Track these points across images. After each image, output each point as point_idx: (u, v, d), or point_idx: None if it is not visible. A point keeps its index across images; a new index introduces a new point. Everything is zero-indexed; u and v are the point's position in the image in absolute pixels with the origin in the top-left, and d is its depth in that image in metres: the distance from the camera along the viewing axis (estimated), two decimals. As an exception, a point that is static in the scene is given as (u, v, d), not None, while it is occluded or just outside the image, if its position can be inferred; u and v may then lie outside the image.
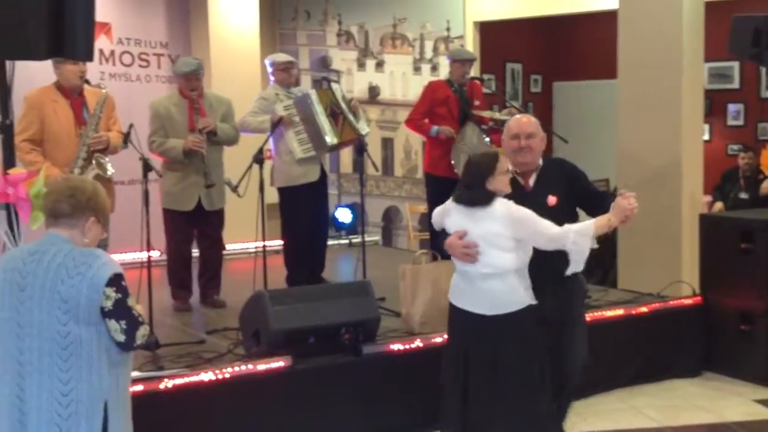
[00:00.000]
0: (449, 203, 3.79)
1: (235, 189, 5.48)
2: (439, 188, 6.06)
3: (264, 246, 5.48)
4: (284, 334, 4.44)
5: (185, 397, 4.13)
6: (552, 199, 3.94)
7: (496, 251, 3.64)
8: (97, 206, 2.90)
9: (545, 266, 3.73)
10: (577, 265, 3.67)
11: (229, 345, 4.76)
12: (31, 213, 3.57)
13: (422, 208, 8.22)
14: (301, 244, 6.24)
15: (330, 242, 6.93)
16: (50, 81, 5.27)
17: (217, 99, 6.03)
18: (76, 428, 2.77)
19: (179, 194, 5.81)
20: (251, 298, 4.69)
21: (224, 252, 6.27)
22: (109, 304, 2.77)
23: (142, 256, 4.98)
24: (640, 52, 6.36)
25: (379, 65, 9.62)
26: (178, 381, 4.14)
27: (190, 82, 5.80)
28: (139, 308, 2.89)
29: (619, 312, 5.63)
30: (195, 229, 5.98)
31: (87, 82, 5.29)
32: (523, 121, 4.02)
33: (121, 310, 2.79)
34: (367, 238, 6.35)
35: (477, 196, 3.68)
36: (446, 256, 3.94)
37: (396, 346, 4.77)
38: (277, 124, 5.96)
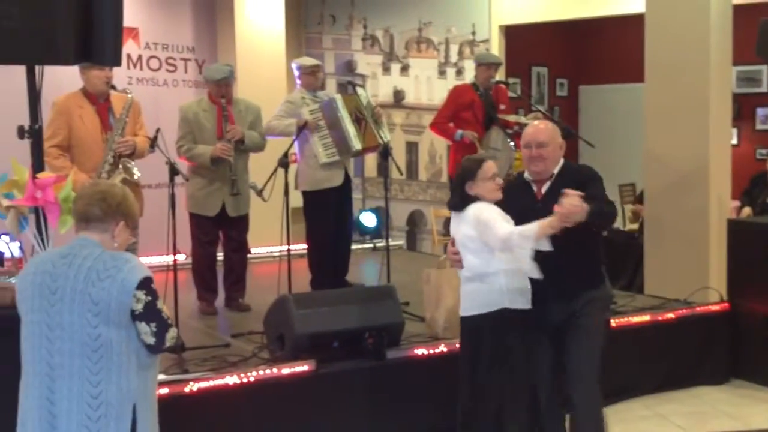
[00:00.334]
0: None
1: (260, 193, 5.51)
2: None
3: (288, 249, 5.50)
4: (308, 338, 4.46)
5: (210, 400, 4.16)
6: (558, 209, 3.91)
7: (470, 254, 3.77)
8: (127, 211, 2.94)
9: (551, 274, 3.72)
10: (525, 267, 3.64)
11: (253, 348, 4.77)
12: (60, 216, 3.59)
13: (447, 212, 8.18)
14: (326, 248, 6.25)
15: (354, 246, 6.94)
16: (78, 86, 5.32)
17: (247, 106, 6.04)
18: (105, 430, 2.79)
19: (204, 199, 5.84)
20: (276, 301, 4.71)
21: (249, 255, 6.30)
22: (139, 307, 2.80)
23: (169, 259, 5.01)
24: (668, 55, 6.31)
25: (404, 69, 9.62)
26: (203, 384, 4.17)
27: (221, 89, 5.82)
28: (165, 310, 2.92)
29: (646, 318, 5.59)
30: (220, 232, 6.02)
31: (113, 87, 5.34)
32: (535, 130, 3.95)
33: (151, 313, 2.82)
34: (391, 243, 6.34)
35: (455, 200, 3.86)
36: None
37: (420, 351, 4.77)
38: (303, 128, 5.98)
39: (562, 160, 3.97)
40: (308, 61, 6.48)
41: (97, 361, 2.79)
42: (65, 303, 2.80)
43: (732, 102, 6.61)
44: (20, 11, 3.52)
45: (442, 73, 9.30)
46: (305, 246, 6.43)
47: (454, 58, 9.21)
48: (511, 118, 6.65)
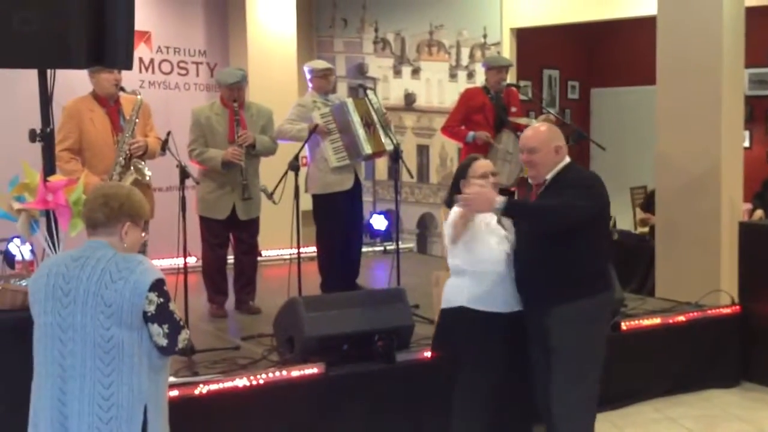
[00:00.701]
0: None
1: (270, 196, 5.52)
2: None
3: (299, 252, 5.52)
4: (318, 341, 4.46)
5: (219, 402, 4.17)
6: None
7: (449, 250, 3.91)
8: (132, 210, 2.94)
9: (520, 283, 3.78)
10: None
11: (263, 351, 4.78)
12: (71, 220, 3.61)
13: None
14: (336, 251, 6.26)
15: (365, 249, 6.95)
16: (88, 89, 5.36)
17: (259, 109, 6.06)
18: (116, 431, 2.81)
19: (214, 202, 5.86)
20: (285, 304, 4.72)
21: (259, 258, 6.31)
22: (151, 309, 2.82)
23: (179, 262, 5.03)
24: (680, 57, 6.29)
25: (416, 72, 9.62)
26: (213, 387, 4.18)
27: (233, 93, 5.84)
28: (177, 312, 2.93)
29: (657, 321, 5.58)
30: (230, 235, 6.03)
31: (122, 89, 5.37)
32: (527, 135, 3.91)
33: (163, 315, 2.84)
34: (401, 245, 6.34)
35: (448, 197, 3.98)
36: None
37: (430, 354, 4.75)
38: (313, 132, 5.99)
39: (562, 164, 3.81)
40: (320, 64, 6.50)
41: (109, 363, 2.80)
42: (78, 305, 2.81)
43: (744, 104, 6.59)
44: (37, 16, 3.55)
45: (453, 76, 9.30)
46: (315, 249, 6.44)
47: (465, 61, 9.20)
48: (522, 120, 6.64)
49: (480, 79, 7.58)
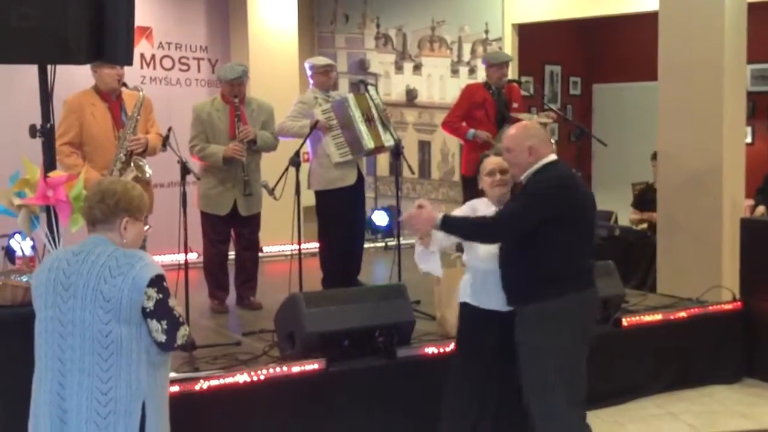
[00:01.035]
0: None
1: (271, 192, 5.52)
2: (476, 191, 6.04)
3: (300, 248, 5.51)
4: (319, 337, 4.46)
5: (220, 398, 4.17)
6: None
7: (465, 246, 3.99)
8: (130, 205, 2.94)
9: (504, 282, 3.80)
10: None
11: (264, 347, 4.78)
12: (71, 215, 3.62)
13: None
14: (338, 247, 6.25)
15: (366, 245, 6.94)
16: (90, 84, 5.36)
17: (260, 105, 6.06)
18: (114, 427, 2.81)
19: (215, 198, 5.86)
20: (286, 300, 4.72)
21: (260, 254, 6.31)
22: (150, 305, 2.82)
23: (180, 258, 5.04)
24: (681, 53, 6.28)
25: (417, 68, 9.62)
26: (214, 382, 4.18)
27: (234, 88, 5.83)
28: (177, 308, 2.93)
29: (658, 317, 5.57)
30: (231, 230, 6.03)
31: (124, 85, 5.37)
32: (506, 134, 3.93)
33: (162, 311, 2.84)
34: (403, 241, 6.33)
35: (465, 196, 4.10)
36: None
37: (430, 350, 4.77)
38: (314, 127, 5.99)
39: (539, 164, 3.76)
40: (321, 60, 6.49)
41: (107, 358, 2.81)
42: (77, 299, 2.82)
43: (746, 100, 6.57)
44: (37, 12, 3.55)
45: (454, 71, 9.29)
46: (317, 245, 6.43)
47: (466, 56, 9.20)
48: (524, 116, 6.62)
49: (482, 75, 7.58)
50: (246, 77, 5.90)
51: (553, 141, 6.43)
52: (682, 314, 5.66)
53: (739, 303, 5.83)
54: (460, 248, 4.33)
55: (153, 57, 8.25)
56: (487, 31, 9.01)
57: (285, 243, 5.87)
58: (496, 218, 3.75)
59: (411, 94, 9.67)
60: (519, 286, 3.72)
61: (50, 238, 3.67)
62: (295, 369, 4.38)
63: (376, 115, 6.10)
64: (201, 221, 5.97)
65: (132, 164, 5.19)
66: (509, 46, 8.75)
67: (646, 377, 5.40)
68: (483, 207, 3.94)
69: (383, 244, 8.63)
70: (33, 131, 3.81)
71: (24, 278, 3.72)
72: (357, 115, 6.05)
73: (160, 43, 8.31)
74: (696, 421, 5.01)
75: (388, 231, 8.93)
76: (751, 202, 7.62)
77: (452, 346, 4.75)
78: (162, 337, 2.84)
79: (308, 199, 6.20)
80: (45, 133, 3.81)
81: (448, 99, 8.88)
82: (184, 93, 8.27)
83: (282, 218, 5.62)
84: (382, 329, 4.60)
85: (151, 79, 8.16)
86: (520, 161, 3.78)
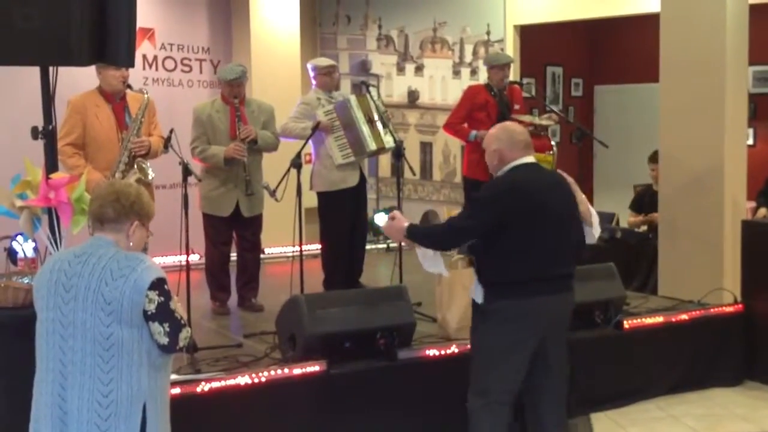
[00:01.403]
0: None
1: (273, 193, 5.52)
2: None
3: (301, 250, 5.51)
4: (320, 339, 4.46)
5: (222, 400, 4.17)
6: None
7: None
8: (141, 210, 2.97)
9: None
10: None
11: (265, 349, 4.78)
12: (73, 217, 3.62)
13: (460, 212, 8.18)
14: (340, 249, 6.25)
15: (368, 246, 6.94)
16: (94, 85, 5.36)
17: (260, 106, 6.06)
18: (115, 429, 2.82)
19: (218, 199, 5.87)
20: (287, 302, 4.72)
21: (262, 256, 6.31)
22: (152, 308, 2.83)
23: (181, 259, 5.04)
24: (683, 55, 6.27)
25: (419, 69, 9.62)
26: (215, 384, 4.18)
27: (233, 89, 5.84)
28: (179, 307, 2.94)
29: (659, 319, 5.57)
30: (233, 232, 6.03)
31: (129, 87, 5.38)
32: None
33: (164, 313, 2.84)
34: (404, 244, 6.32)
35: None
36: None
37: (431, 352, 4.77)
38: (316, 128, 5.99)
39: (505, 168, 3.79)
40: (323, 61, 6.49)
41: (108, 360, 2.81)
42: (79, 301, 2.82)
43: (748, 102, 6.57)
44: (39, 13, 3.56)
45: (456, 73, 9.29)
46: (319, 246, 6.43)
47: (468, 58, 9.20)
48: (525, 118, 6.62)
49: (483, 77, 7.58)
50: (245, 78, 5.90)
51: (554, 143, 6.53)
52: (684, 317, 5.65)
53: (740, 305, 5.82)
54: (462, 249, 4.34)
55: (155, 58, 8.26)
56: (488, 33, 9.00)
57: (286, 245, 5.87)
58: (445, 226, 3.88)
59: (413, 96, 9.67)
60: (477, 287, 3.79)
61: (52, 240, 3.68)
62: (297, 371, 4.38)
63: (377, 117, 6.11)
64: (203, 223, 5.97)
65: (135, 166, 5.20)
66: (511, 48, 8.74)
67: (648, 380, 5.40)
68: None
69: (385, 246, 8.63)
70: (35, 133, 3.82)
71: (26, 280, 3.72)
72: (359, 116, 6.05)
73: (163, 44, 8.32)
74: (697, 424, 5.00)
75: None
76: (752, 204, 7.62)
77: (454, 347, 4.80)
78: (164, 340, 2.85)
79: (310, 200, 6.21)
80: (47, 134, 3.81)
81: (450, 100, 8.88)
82: (186, 94, 8.28)
83: (283, 220, 5.62)
84: (383, 331, 4.60)
85: (153, 80, 8.17)
86: (489, 163, 3.88)
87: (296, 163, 5.49)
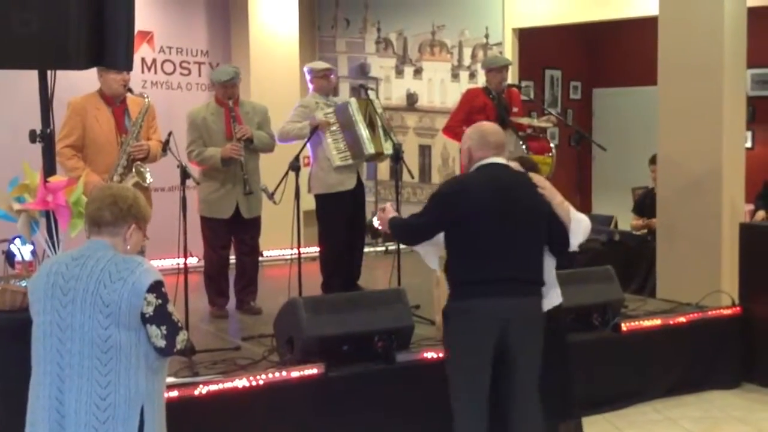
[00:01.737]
0: None
1: (271, 196, 5.53)
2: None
3: (299, 253, 5.51)
4: (318, 342, 4.47)
5: (219, 403, 4.17)
6: None
7: None
8: (138, 213, 2.97)
9: None
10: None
11: (263, 352, 4.77)
12: (70, 220, 3.62)
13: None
14: (338, 252, 6.26)
15: (366, 249, 6.95)
16: (93, 88, 5.37)
17: (253, 107, 6.07)
18: (113, 432, 2.81)
19: (217, 202, 5.87)
20: (285, 305, 4.72)
21: (260, 258, 6.31)
22: (150, 310, 2.82)
23: (180, 262, 5.04)
24: (681, 58, 6.28)
25: (417, 72, 9.62)
26: (213, 387, 4.18)
27: (227, 90, 5.85)
28: (176, 313, 2.94)
29: (657, 322, 5.57)
30: (232, 236, 6.04)
31: (130, 90, 5.39)
32: None
33: (161, 316, 2.84)
34: (402, 246, 6.33)
35: None
36: None
37: (429, 354, 4.76)
38: (315, 128, 5.99)
39: (471, 168, 3.77)
40: (319, 64, 6.50)
41: (106, 363, 2.81)
42: (77, 304, 2.82)
43: (746, 105, 6.58)
44: (37, 17, 3.56)
45: (455, 76, 9.30)
46: (317, 249, 6.43)
47: (467, 61, 9.21)
48: (524, 121, 6.64)
49: (482, 80, 7.59)
50: (239, 78, 5.91)
51: (552, 145, 6.54)
52: (682, 319, 5.66)
53: (738, 308, 5.83)
54: None
55: (154, 61, 8.27)
56: (487, 36, 9.01)
57: (285, 247, 5.87)
58: (408, 221, 3.90)
59: (411, 99, 9.68)
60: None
61: (49, 243, 3.68)
62: (295, 374, 4.38)
63: (378, 122, 6.11)
64: (201, 227, 5.96)
65: (133, 170, 5.20)
66: (509, 51, 8.75)
67: (645, 382, 5.40)
68: None
69: (383, 249, 8.64)
70: (33, 136, 3.82)
71: (23, 283, 3.72)
72: (359, 119, 6.06)
73: (161, 47, 8.32)
74: (695, 427, 5.01)
75: (388, 235, 8.92)
76: (750, 206, 7.62)
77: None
78: (161, 343, 2.85)
79: (308, 203, 6.21)
80: (45, 138, 3.82)
81: (449, 103, 8.89)
82: (185, 97, 8.29)
83: (282, 223, 5.63)
84: (381, 334, 4.60)
85: (152, 84, 8.18)
86: (462, 162, 3.90)
87: (294, 166, 5.50)
